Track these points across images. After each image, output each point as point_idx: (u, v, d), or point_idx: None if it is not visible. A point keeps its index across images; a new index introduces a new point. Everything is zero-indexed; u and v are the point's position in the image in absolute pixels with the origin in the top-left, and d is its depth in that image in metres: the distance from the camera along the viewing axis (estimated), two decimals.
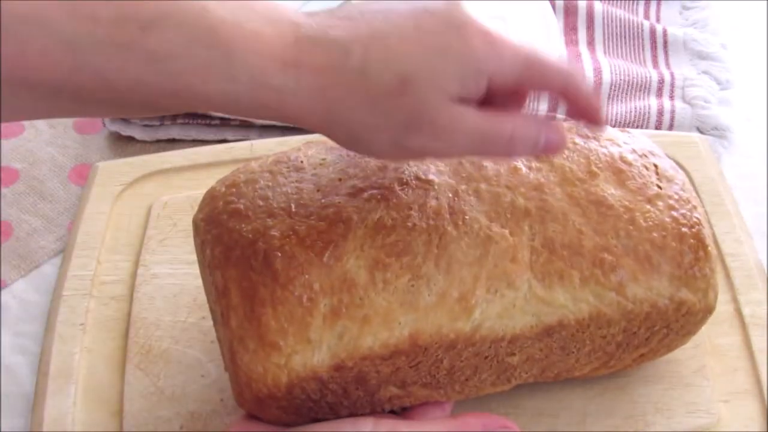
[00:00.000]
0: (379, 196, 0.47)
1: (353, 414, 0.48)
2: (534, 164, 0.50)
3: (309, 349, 0.44)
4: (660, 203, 0.50)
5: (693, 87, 0.77)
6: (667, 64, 0.80)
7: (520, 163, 0.50)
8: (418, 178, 0.48)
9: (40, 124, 0.76)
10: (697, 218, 0.50)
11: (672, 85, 0.77)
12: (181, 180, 0.67)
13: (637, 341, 0.51)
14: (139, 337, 0.57)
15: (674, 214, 0.49)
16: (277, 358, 0.44)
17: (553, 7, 0.84)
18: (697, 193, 0.65)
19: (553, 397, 0.54)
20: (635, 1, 0.86)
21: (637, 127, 0.74)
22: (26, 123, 0.76)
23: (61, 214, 0.69)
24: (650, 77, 0.77)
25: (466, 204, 0.48)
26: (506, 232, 0.47)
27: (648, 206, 0.49)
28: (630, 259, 0.48)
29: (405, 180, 0.48)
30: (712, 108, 0.75)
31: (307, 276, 0.44)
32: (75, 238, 0.64)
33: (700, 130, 0.74)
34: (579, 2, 0.83)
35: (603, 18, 0.83)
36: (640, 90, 0.77)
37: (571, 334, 0.49)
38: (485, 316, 0.46)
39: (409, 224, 0.46)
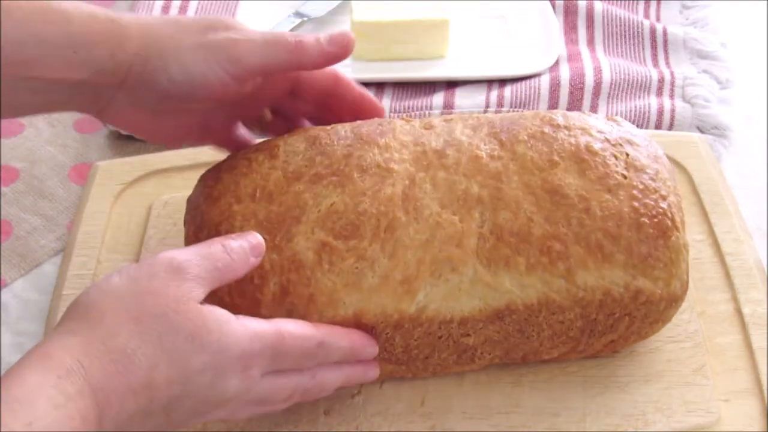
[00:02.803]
0: (336, 182, 0.49)
1: None
2: (496, 153, 0.51)
3: None
4: (621, 193, 0.50)
5: (693, 86, 0.77)
6: (667, 63, 0.80)
7: (482, 152, 0.51)
8: (378, 165, 0.50)
9: (41, 123, 0.76)
10: (663, 208, 0.50)
11: (672, 84, 0.77)
12: (181, 180, 0.67)
13: (601, 328, 0.51)
14: None
15: (635, 204, 0.50)
16: None
17: (553, 6, 0.84)
18: (696, 191, 0.65)
19: (554, 396, 0.54)
20: (635, 1, 0.86)
21: (637, 126, 0.74)
22: (26, 122, 0.76)
23: (61, 213, 0.69)
24: (650, 76, 0.77)
25: (421, 191, 0.49)
26: (456, 218, 0.49)
27: (607, 196, 0.50)
28: (580, 247, 0.49)
29: (365, 167, 0.50)
30: (712, 107, 0.75)
31: None
32: (75, 237, 0.64)
33: (700, 129, 0.74)
34: (579, 2, 0.83)
35: (603, 17, 0.83)
36: (640, 89, 0.77)
37: (523, 318, 0.50)
38: (430, 299, 0.48)
39: (360, 209, 0.48)
